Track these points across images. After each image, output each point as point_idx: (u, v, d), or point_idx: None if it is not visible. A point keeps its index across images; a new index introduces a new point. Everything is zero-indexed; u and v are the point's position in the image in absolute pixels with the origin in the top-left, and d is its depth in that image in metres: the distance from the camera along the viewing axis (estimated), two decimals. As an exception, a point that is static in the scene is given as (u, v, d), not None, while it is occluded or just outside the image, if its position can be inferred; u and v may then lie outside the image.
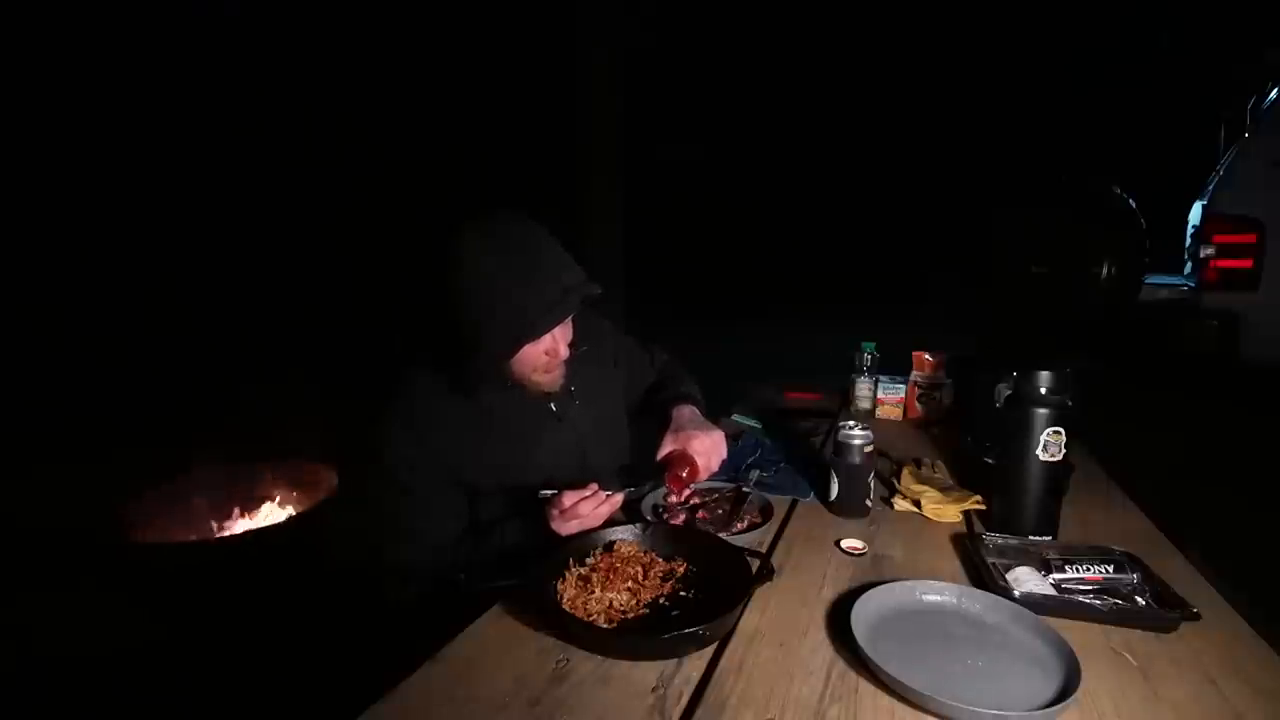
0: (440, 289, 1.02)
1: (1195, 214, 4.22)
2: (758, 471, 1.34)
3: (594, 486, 1.03)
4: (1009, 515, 1.10)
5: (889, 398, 1.81)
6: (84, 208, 3.38)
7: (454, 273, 1.00)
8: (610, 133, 4.79)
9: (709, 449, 1.16)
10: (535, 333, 1.03)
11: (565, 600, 0.84)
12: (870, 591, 0.85)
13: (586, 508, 1.01)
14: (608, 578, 0.89)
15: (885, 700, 0.70)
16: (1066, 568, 0.92)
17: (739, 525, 1.11)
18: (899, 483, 1.28)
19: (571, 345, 1.13)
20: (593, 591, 0.87)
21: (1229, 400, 3.52)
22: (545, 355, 1.08)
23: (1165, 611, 0.85)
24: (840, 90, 9.24)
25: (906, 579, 0.90)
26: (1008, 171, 6.79)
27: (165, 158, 3.69)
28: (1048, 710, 0.66)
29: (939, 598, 0.87)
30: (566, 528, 1.02)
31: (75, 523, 2.03)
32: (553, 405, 1.20)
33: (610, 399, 1.34)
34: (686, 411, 1.24)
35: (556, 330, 1.08)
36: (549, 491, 1.05)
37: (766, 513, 1.15)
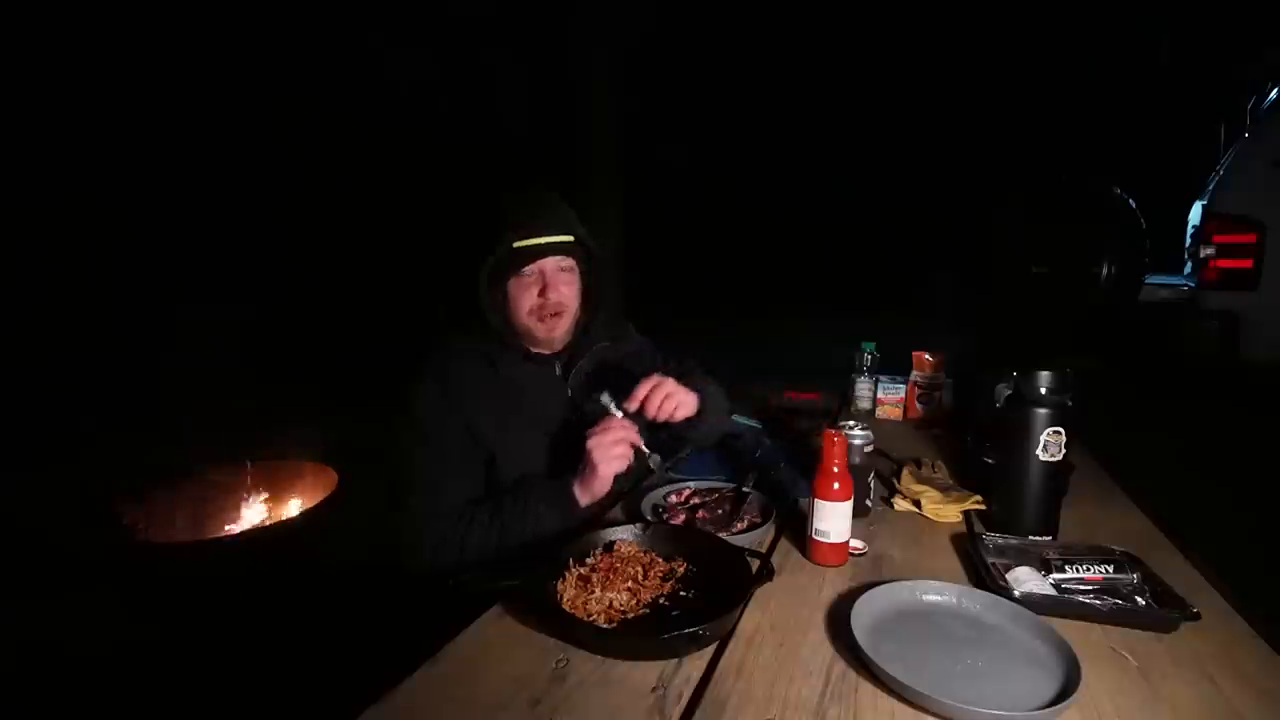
0: (464, 236, 1.13)
1: (1195, 214, 4.22)
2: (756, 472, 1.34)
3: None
4: (1009, 515, 1.10)
5: (889, 398, 1.81)
6: (83, 205, 3.38)
7: (476, 217, 1.12)
8: (610, 133, 4.79)
9: (657, 384, 1.14)
10: (515, 260, 1.11)
11: (565, 600, 0.84)
12: (870, 591, 0.85)
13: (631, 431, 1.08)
14: (608, 578, 0.89)
15: (885, 700, 0.70)
16: (1066, 568, 0.92)
17: (739, 525, 1.11)
18: (899, 483, 1.29)
19: (581, 310, 1.19)
20: (593, 591, 0.86)
21: (1229, 400, 3.52)
22: (538, 296, 1.13)
23: (1165, 611, 0.84)
24: (841, 91, 9.24)
25: (906, 579, 0.90)
26: (1008, 171, 6.79)
27: (163, 157, 3.69)
28: (1048, 710, 0.66)
29: (939, 598, 0.87)
30: (604, 443, 1.05)
31: (75, 523, 2.02)
32: (569, 390, 1.23)
33: (627, 395, 1.34)
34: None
35: (548, 268, 1.13)
36: (607, 400, 1.10)
37: (766, 513, 1.15)
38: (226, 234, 3.90)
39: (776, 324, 6.73)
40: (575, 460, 1.10)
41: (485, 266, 1.11)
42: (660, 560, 0.96)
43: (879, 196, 9.30)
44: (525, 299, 1.13)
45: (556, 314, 1.16)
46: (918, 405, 1.79)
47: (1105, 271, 4.52)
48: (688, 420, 1.19)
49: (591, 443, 1.06)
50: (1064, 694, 0.68)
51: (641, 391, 1.12)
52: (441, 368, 1.16)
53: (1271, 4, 5.24)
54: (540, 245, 1.11)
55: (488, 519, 1.07)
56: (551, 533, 1.06)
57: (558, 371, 1.23)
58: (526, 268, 1.12)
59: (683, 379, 1.33)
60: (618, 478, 1.11)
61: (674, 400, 1.15)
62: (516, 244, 1.10)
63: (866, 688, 0.72)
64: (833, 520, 0.97)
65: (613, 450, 1.05)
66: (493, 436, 1.14)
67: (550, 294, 1.14)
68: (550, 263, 1.13)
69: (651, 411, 1.14)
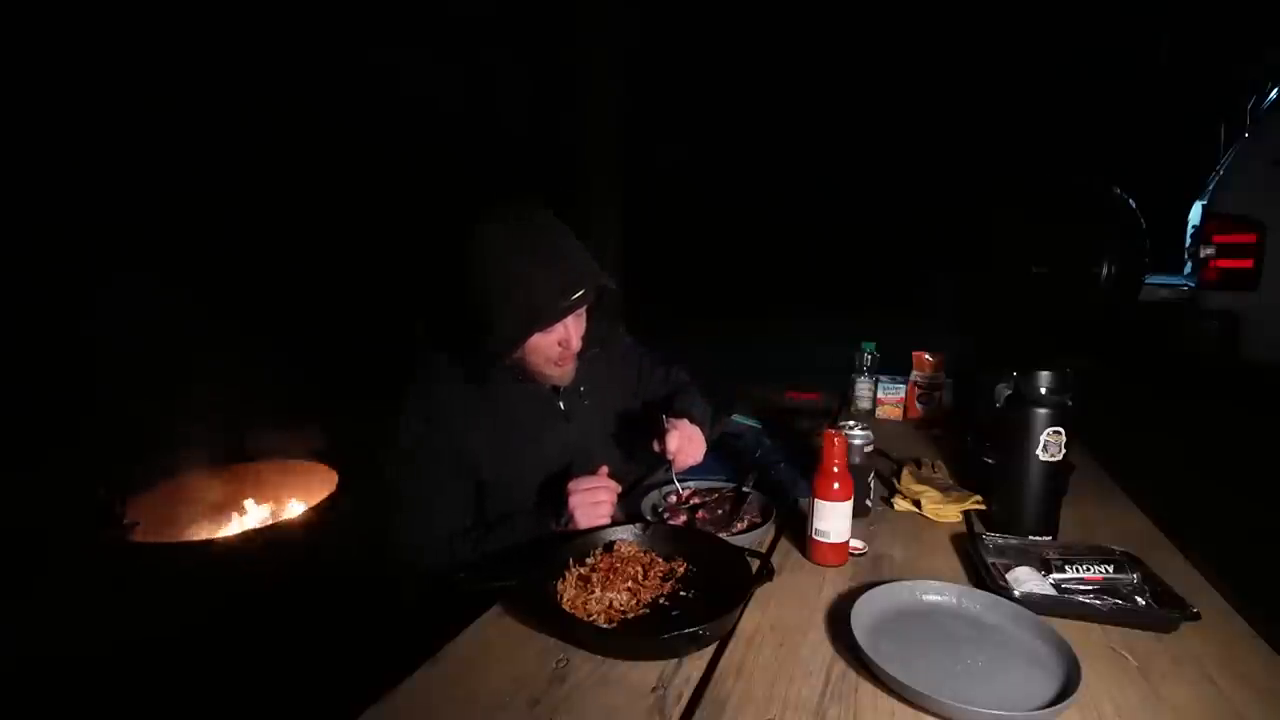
0: (456, 273, 1.04)
1: (1195, 214, 4.22)
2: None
3: (604, 470, 1.08)
4: (1009, 515, 1.10)
5: (889, 398, 1.81)
6: (84, 204, 3.39)
7: (470, 257, 1.02)
8: (610, 133, 4.79)
9: (689, 437, 1.21)
10: (545, 321, 1.05)
11: (565, 600, 0.84)
12: (870, 591, 0.85)
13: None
14: (608, 578, 0.89)
15: (885, 700, 0.70)
16: (1066, 568, 0.92)
17: (739, 525, 1.11)
18: (899, 483, 1.29)
19: (584, 339, 1.15)
20: (593, 591, 0.86)
21: (1229, 400, 3.52)
22: (558, 346, 1.10)
23: (1165, 611, 0.84)
24: (842, 91, 9.24)
25: (906, 579, 0.90)
26: (1008, 171, 6.79)
27: (163, 157, 3.69)
28: (1048, 710, 0.66)
29: (939, 598, 0.87)
30: (585, 501, 1.04)
31: (75, 523, 2.02)
32: (561, 403, 1.21)
33: (618, 404, 1.34)
34: (686, 418, 1.26)
35: (570, 321, 1.10)
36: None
37: (766, 513, 1.15)
38: (227, 233, 3.90)
39: (776, 324, 6.73)
40: (568, 478, 1.10)
41: (511, 320, 1.02)
42: (660, 560, 0.96)
43: (879, 196, 9.30)
44: (547, 349, 1.09)
45: (571, 356, 1.13)
46: (918, 405, 1.79)
47: (1105, 271, 4.53)
48: None
49: (574, 499, 1.03)
50: (1064, 694, 0.68)
51: (672, 445, 1.17)
52: (425, 392, 1.11)
53: (1271, 4, 5.24)
54: (575, 302, 1.06)
55: (471, 549, 1.06)
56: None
57: (549, 386, 1.21)
58: (556, 324, 1.08)
59: (677, 396, 1.34)
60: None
61: (697, 448, 1.21)
62: (560, 305, 1.03)
63: (866, 688, 0.72)
64: (833, 520, 0.97)
65: (596, 509, 1.04)
66: (484, 457, 1.12)
67: (573, 342, 1.11)
68: (575, 314, 1.10)
69: (681, 464, 1.20)
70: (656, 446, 1.19)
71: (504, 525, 1.08)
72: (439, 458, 1.09)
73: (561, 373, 1.14)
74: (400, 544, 1.09)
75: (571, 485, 1.05)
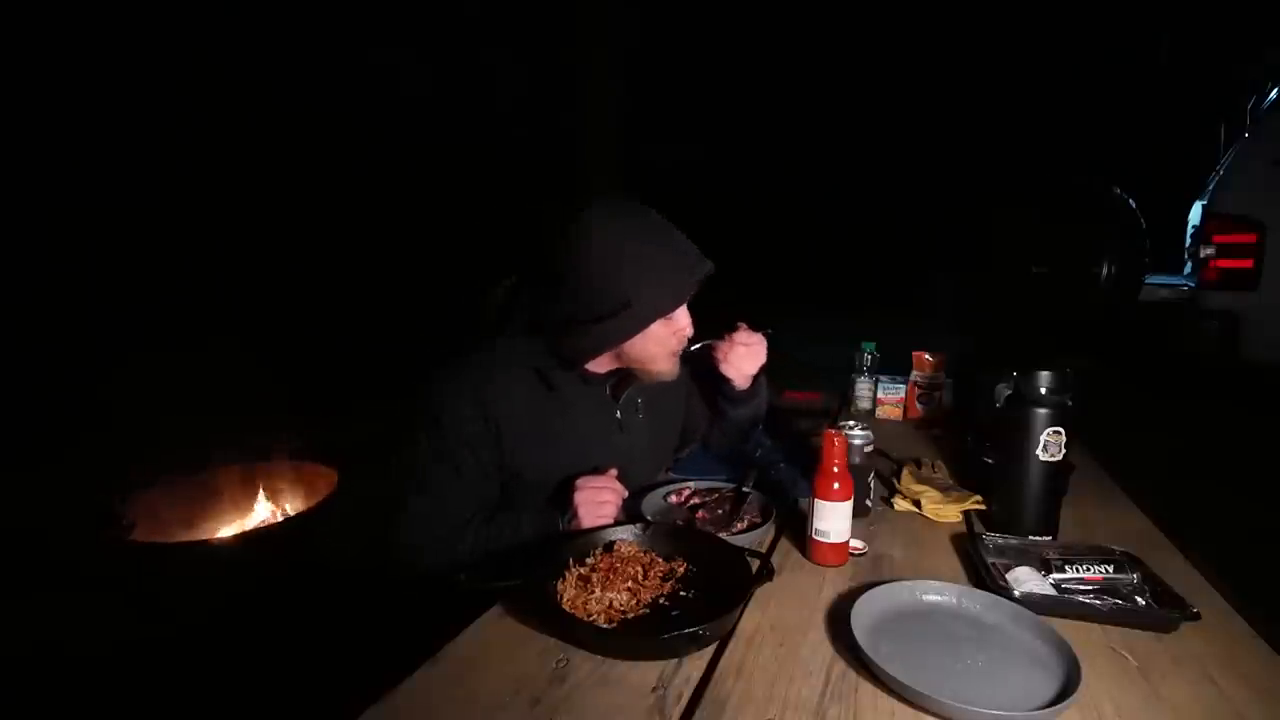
0: (571, 262, 1.03)
1: (1195, 214, 4.23)
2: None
3: (613, 471, 1.08)
4: (1009, 515, 1.10)
5: (889, 398, 1.81)
6: (85, 204, 3.39)
7: (587, 248, 1.01)
8: (610, 133, 4.80)
9: (756, 345, 1.25)
10: (676, 301, 1.05)
11: (565, 600, 0.84)
12: (870, 591, 0.85)
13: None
14: (608, 578, 0.89)
15: (885, 700, 0.70)
16: (1066, 568, 0.92)
17: (739, 525, 1.11)
18: (899, 483, 1.29)
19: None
20: (593, 591, 0.86)
21: (1229, 400, 3.52)
22: (674, 336, 1.09)
23: (1165, 611, 0.84)
24: (842, 91, 9.24)
25: (906, 579, 0.90)
26: (1008, 171, 6.79)
27: (165, 156, 3.69)
28: (1048, 710, 0.66)
29: (939, 598, 0.87)
30: (591, 500, 1.03)
31: (75, 523, 2.02)
32: (618, 413, 1.20)
33: (668, 420, 1.34)
34: None
35: (685, 306, 1.10)
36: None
37: (766, 513, 1.15)
38: (227, 234, 3.90)
39: (775, 324, 6.73)
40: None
41: (642, 301, 1.02)
42: (660, 560, 0.96)
43: (880, 197, 9.30)
44: (666, 337, 1.07)
45: (683, 343, 1.12)
46: (918, 405, 1.79)
47: (1105, 271, 4.53)
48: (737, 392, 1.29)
49: (580, 496, 1.03)
50: (1064, 694, 0.68)
51: (737, 344, 1.22)
52: (485, 383, 1.07)
53: (1271, 4, 5.24)
54: (696, 283, 1.06)
55: (472, 539, 1.05)
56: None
57: (607, 392, 1.19)
58: (680, 309, 1.07)
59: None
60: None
61: (755, 356, 1.25)
62: (686, 285, 1.04)
63: (866, 688, 0.72)
64: (833, 520, 0.97)
65: (600, 509, 1.04)
66: (529, 456, 1.09)
67: (688, 329, 1.10)
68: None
69: (738, 373, 1.24)
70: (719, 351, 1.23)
71: (508, 519, 1.08)
72: (478, 447, 1.06)
73: (671, 365, 1.13)
74: (400, 543, 1.09)
75: (579, 483, 1.05)
